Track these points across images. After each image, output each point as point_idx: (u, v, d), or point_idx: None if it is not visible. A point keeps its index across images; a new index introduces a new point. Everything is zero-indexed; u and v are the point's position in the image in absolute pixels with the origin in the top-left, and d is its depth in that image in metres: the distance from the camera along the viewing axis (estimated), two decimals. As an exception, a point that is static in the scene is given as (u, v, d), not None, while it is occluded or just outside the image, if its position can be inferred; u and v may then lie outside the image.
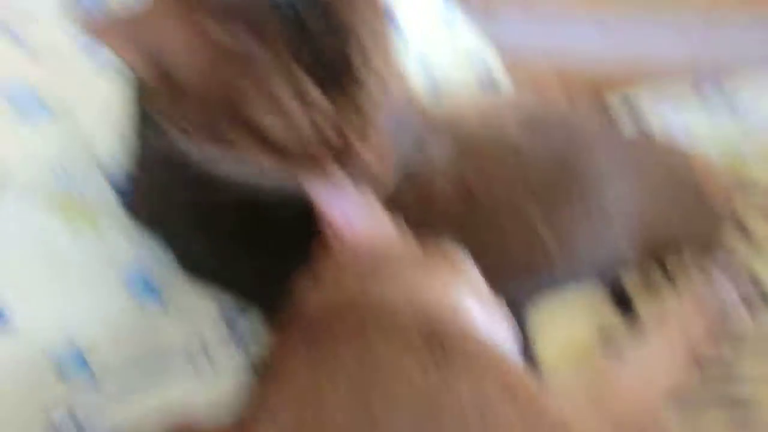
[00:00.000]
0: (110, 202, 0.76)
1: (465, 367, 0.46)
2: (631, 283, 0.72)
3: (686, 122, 1.04)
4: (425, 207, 0.67)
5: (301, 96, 0.50)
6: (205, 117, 0.53)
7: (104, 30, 0.48)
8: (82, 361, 0.61)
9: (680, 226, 0.73)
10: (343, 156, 0.53)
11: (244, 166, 0.55)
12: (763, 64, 1.23)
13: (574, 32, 1.50)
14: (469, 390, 0.44)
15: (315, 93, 0.50)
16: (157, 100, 0.55)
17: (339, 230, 0.59)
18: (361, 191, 0.58)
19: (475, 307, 0.57)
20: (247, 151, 0.54)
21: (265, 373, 0.55)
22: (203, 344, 0.68)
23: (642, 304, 0.71)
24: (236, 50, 0.49)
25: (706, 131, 1.02)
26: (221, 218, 0.65)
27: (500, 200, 0.68)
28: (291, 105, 0.50)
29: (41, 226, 0.66)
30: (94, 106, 0.78)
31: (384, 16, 0.55)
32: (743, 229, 0.80)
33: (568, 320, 0.69)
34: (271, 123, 0.51)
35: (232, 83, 0.50)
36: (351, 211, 0.59)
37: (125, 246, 0.71)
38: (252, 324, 0.72)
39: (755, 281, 0.71)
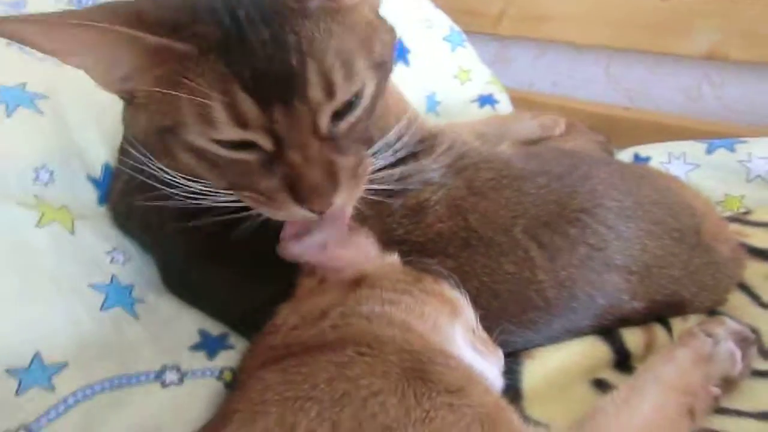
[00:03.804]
0: (91, 204, 0.74)
1: (445, 404, 0.44)
2: (632, 339, 0.68)
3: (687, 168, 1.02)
4: (415, 220, 0.64)
5: (237, 113, 0.47)
6: (151, 137, 0.54)
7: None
8: (46, 379, 0.55)
9: (682, 274, 0.70)
10: (288, 176, 0.50)
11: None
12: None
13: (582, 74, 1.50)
14: (450, 424, 0.43)
15: (252, 110, 0.47)
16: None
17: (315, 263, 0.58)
18: (335, 216, 0.56)
19: (464, 342, 0.55)
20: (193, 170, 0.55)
21: (236, 389, 0.53)
22: (175, 362, 0.63)
23: (640, 361, 0.67)
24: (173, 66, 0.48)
25: (708, 174, 1.00)
26: (202, 231, 0.62)
27: (498, 235, 0.64)
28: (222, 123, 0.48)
29: (13, 224, 0.62)
30: (85, 106, 0.76)
31: (346, 18, 0.51)
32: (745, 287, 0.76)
33: (562, 371, 0.65)
34: (203, 144, 0.50)
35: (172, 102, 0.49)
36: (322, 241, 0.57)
37: (101, 252, 0.67)
38: (227, 341, 0.68)
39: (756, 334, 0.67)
